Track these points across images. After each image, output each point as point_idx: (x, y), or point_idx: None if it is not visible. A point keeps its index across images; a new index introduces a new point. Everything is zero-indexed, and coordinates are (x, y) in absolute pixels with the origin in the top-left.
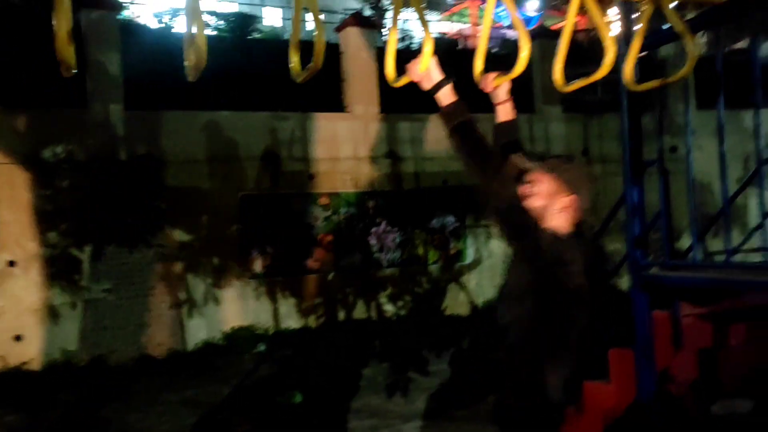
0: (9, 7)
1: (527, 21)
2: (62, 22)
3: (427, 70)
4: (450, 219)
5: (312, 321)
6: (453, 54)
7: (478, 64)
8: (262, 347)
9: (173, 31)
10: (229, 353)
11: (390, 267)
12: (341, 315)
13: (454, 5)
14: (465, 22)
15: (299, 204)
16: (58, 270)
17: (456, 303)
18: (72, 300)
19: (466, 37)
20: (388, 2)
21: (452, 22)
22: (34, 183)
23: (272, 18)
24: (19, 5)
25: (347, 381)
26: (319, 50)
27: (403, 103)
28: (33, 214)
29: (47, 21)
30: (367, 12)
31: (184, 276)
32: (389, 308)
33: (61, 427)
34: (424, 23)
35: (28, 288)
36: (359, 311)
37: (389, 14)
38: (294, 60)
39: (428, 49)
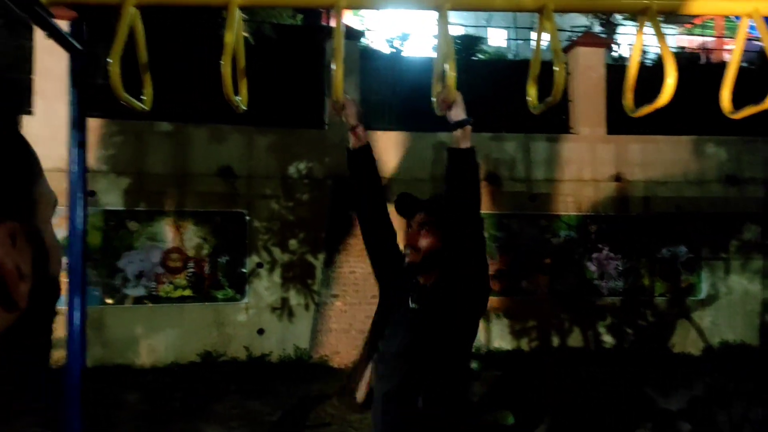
0: (261, 39)
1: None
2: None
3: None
4: (682, 249)
5: (524, 344)
6: (695, 69)
7: (726, 94)
8: (474, 365)
9: (403, 55)
10: None
11: (611, 295)
12: (555, 340)
13: (697, 16)
14: (709, 35)
15: (518, 225)
16: (295, 274)
17: (686, 341)
18: (305, 302)
19: (708, 51)
20: (620, 17)
21: (693, 35)
22: (279, 195)
23: (497, 38)
24: (272, 40)
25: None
26: (559, 84)
27: (632, 123)
28: (277, 222)
29: (293, 52)
30: (597, 28)
31: None
32: (608, 339)
33: (294, 417)
34: (669, 57)
35: (271, 288)
36: (574, 338)
37: (620, 29)
38: (532, 94)
39: (671, 80)
